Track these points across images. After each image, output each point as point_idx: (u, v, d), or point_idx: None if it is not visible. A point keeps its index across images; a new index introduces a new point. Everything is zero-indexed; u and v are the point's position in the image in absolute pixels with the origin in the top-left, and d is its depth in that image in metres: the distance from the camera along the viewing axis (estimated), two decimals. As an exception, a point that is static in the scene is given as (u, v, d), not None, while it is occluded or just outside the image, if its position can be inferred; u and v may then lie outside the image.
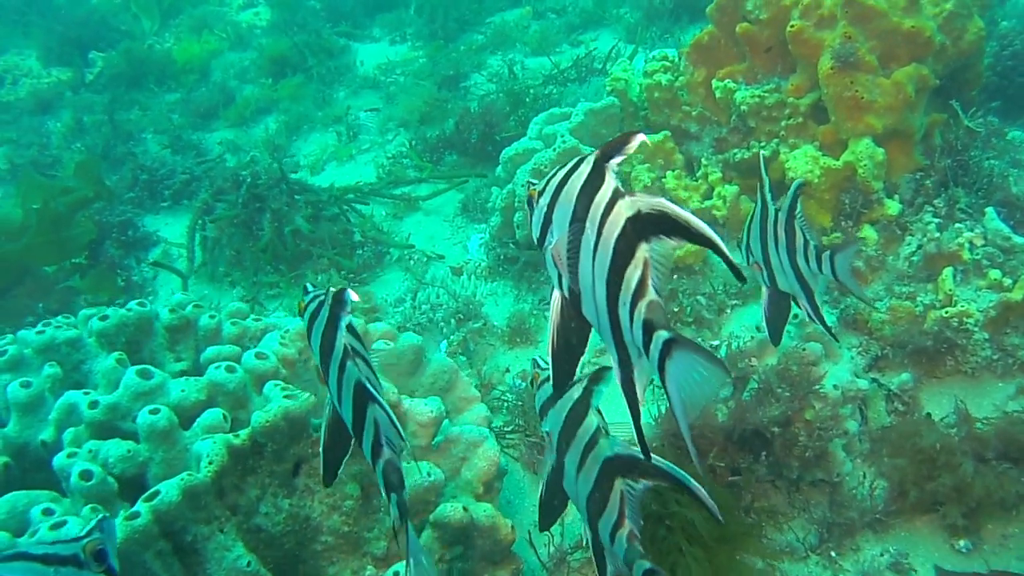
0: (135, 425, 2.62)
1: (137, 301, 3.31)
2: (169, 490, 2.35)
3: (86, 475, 2.48)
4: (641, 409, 1.52)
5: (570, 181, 1.54)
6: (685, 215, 1.36)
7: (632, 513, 1.95)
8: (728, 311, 4.11)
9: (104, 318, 3.19)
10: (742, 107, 4.26)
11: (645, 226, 1.42)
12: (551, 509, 2.28)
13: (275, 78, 7.80)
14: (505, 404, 3.94)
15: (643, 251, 1.43)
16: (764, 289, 3.01)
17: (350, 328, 1.98)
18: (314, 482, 2.68)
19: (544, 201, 1.61)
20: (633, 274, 1.43)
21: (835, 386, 3.39)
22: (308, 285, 2.21)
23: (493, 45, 7.50)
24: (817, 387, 3.35)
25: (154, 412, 2.58)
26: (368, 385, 1.94)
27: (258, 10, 9.56)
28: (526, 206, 1.74)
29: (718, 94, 4.40)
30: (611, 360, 1.55)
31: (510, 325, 4.45)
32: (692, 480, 1.83)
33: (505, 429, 3.81)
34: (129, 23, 9.36)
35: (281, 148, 6.91)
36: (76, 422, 2.76)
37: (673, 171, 4.50)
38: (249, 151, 6.94)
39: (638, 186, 4.46)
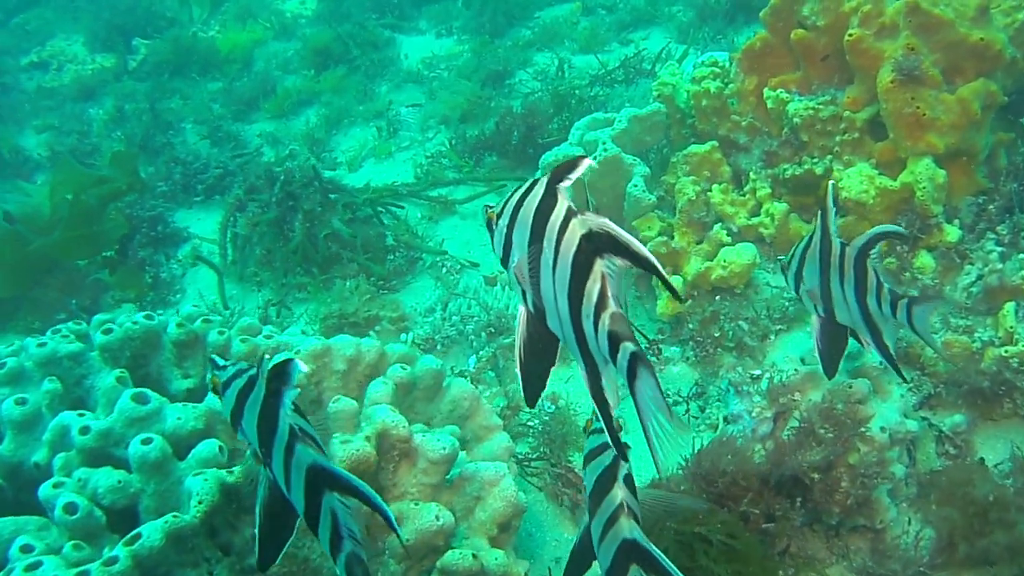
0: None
1: (144, 314, 3.17)
2: (151, 533, 2.19)
3: (70, 508, 2.34)
4: (613, 413, 1.59)
5: (525, 203, 1.61)
6: (627, 237, 1.47)
7: None
8: (771, 337, 3.87)
9: (108, 331, 3.06)
10: (795, 119, 4.00)
11: (598, 244, 1.51)
12: (579, 564, 2.24)
13: (318, 70, 7.64)
14: (531, 429, 3.74)
15: (600, 266, 1.51)
16: (815, 319, 2.81)
17: (294, 405, 1.81)
18: (314, 521, 2.51)
19: (503, 223, 1.68)
20: (593, 288, 1.52)
21: (883, 428, 3.15)
22: (216, 357, 2.02)
23: (540, 42, 7.27)
24: (863, 429, 3.11)
25: (146, 442, 2.43)
26: (332, 469, 1.77)
27: (304, -1, 9.43)
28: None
29: (770, 104, 4.15)
30: (579, 369, 1.63)
31: (542, 342, 4.25)
32: None
33: (531, 456, 3.62)
34: (175, 10, 9.26)
35: (320, 142, 6.76)
36: (69, 446, 2.62)
37: (719, 184, 4.26)
38: (288, 144, 6.82)
39: (682, 199, 4.23)
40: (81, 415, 2.68)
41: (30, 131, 8.06)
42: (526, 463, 3.58)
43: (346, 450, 2.42)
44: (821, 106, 3.98)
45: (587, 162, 1.53)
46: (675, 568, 1.84)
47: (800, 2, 4.11)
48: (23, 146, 7.72)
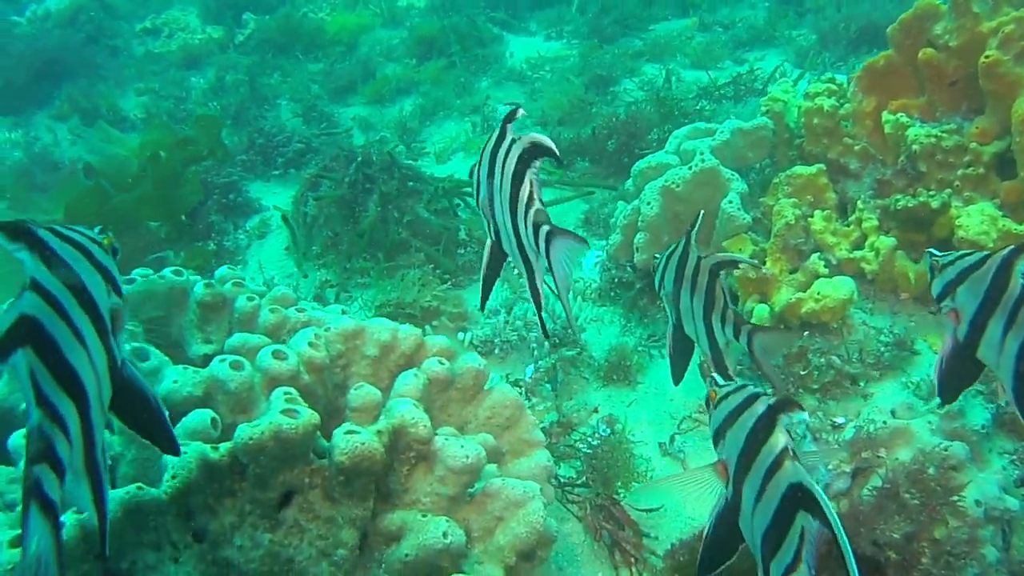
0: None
1: (173, 269, 2.92)
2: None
3: (35, 465, 2.07)
4: (542, 300, 2.01)
5: (487, 147, 1.94)
6: (548, 143, 1.80)
7: (809, 556, 1.67)
8: (861, 384, 3.44)
9: (130, 281, 2.81)
10: (914, 146, 3.57)
11: (530, 155, 1.81)
12: (717, 554, 1.97)
13: (420, 59, 7.45)
14: (581, 452, 3.38)
15: (530, 173, 1.81)
16: (948, 339, 2.39)
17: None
18: (306, 519, 2.20)
19: (477, 169, 2.01)
20: (523, 191, 1.81)
21: (978, 502, 2.70)
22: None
23: (651, 53, 6.92)
24: (955, 498, 2.67)
25: (132, 402, 2.15)
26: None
27: (420, -8, 9.26)
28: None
29: (887, 128, 3.73)
30: (521, 271, 1.98)
31: (609, 359, 3.90)
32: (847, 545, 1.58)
33: (576, 481, 3.26)
34: (292, -11, 9.21)
35: (412, 132, 6.52)
36: (57, 398, 2.37)
37: (823, 211, 3.84)
38: (380, 131, 6.62)
39: (780, 221, 3.82)
40: (78, 366, 2.42)
41: (131, 93, 8.08)
42: (569, 488, 3.23)
43: (348, 442, 2.10)
44: (945, 134, 3.54)
45: (521, 111, 1.85)
46: (838, 521, 1.60)
47: (933, 19, 3.69)
48: (121, 106, 7.73)
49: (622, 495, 3.18)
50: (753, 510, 1.76)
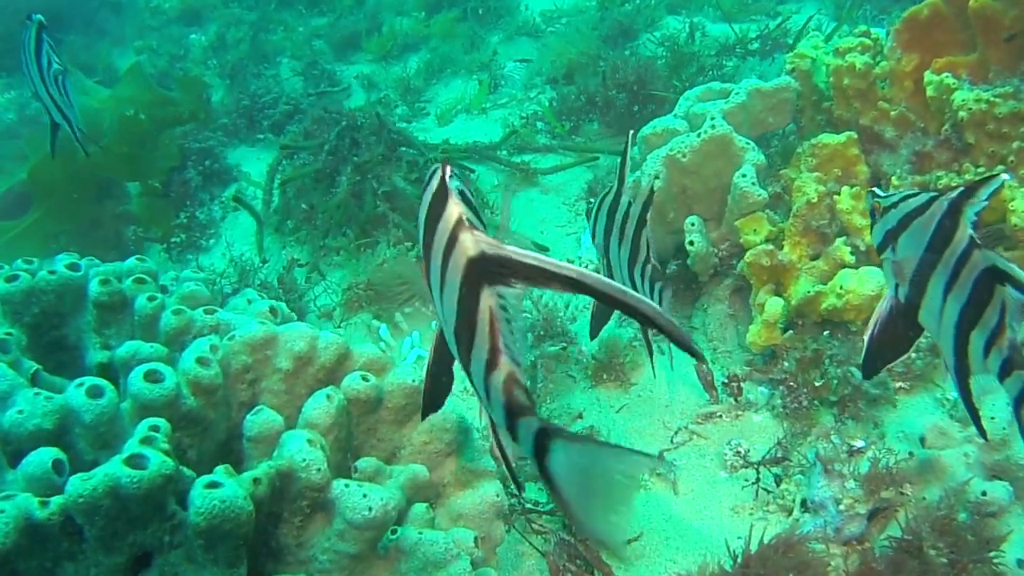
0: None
1: (68, 263, 2.49)
2: None
3: None
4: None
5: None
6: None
7: (509, 339, 1.05)
8: (889, 392, 2.94)
9: (12, 279, 2.39)
10: (960, 113, 3.02)
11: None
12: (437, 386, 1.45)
13: (430, 11, 6.94)
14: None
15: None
16: (887, 297, 1.95)
17: None
18: (167, 587, 1.77)
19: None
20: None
21: (1020, 561, 2.21)
22: None
23: (677, 3, 6.33)
24: (992, 554, 2.18)
25: (-46, 442, 1.74)
26: None
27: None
28: None
29: (930, 91, 3.17)
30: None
31: (596, 356, 3.43)
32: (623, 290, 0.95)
33: (542, 508, 2.80)
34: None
35: (417, 91, 6.05)
36: None
37: (851, 187, 3.31)
38: (384, 89, 6.15)
39: (800, 200, 3.29)
40: (-81, 387, 2.00)
41: (131, 52, 7.68)
42: (536, 515, 2.77)
43: (206, 500, 1.65)
44: (999, 99, 2.98)
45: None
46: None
47: (988, -39, 3.13)
48: (118, 66, 7.33)
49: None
50: (440, 296, 1.18)
